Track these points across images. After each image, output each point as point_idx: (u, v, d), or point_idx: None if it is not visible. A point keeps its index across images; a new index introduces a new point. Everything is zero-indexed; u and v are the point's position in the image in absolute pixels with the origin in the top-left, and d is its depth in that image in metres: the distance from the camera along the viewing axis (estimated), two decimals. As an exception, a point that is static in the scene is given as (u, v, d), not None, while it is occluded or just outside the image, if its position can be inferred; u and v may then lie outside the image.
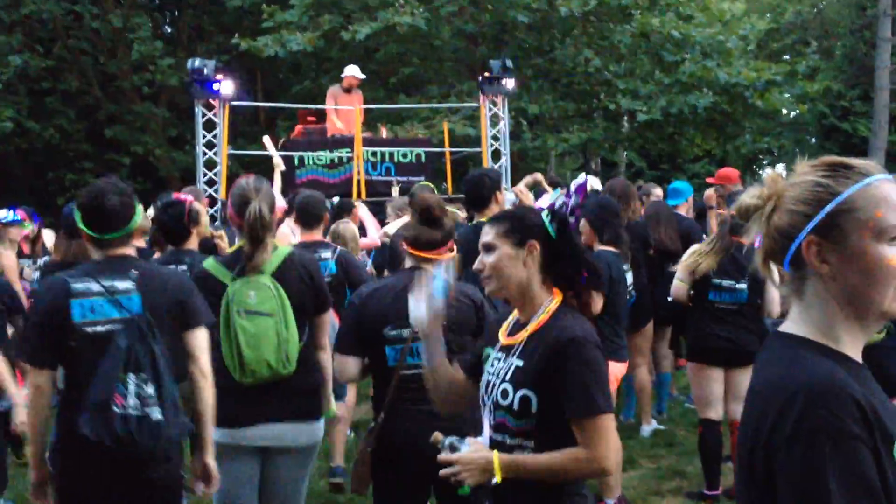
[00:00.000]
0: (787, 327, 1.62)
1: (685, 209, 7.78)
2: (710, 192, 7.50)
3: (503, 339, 2.64)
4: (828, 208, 1.54)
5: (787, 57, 23.92)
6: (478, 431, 2.76)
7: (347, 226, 6.67)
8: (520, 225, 2.60)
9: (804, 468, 1.38)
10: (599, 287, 2.96)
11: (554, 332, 2.48)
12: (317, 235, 5.74)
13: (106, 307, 3.27)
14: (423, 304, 2.65)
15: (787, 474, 1.41)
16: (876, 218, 1.52)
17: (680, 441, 6.96)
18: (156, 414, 3.16)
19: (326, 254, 5.62)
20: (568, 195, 2.79)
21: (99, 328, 3.26)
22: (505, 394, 2.50)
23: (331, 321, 4.15)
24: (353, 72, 12.27)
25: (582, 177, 2.91)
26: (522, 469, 2.43)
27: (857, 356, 1.57)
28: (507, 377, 2.52)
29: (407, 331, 3.45)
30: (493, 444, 2.53)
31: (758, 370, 1.62)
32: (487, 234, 2.61)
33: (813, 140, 27.39)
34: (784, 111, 22.38)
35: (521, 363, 2.51)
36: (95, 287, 3.28)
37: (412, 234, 3.61)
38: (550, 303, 2.59)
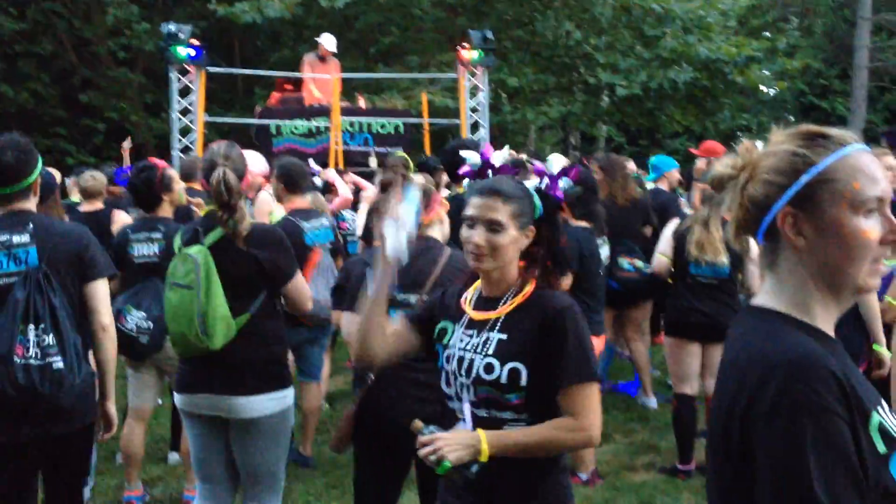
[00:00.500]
0: (760, 300, 1.58)
1: (665, 184, 7.76)
2: (700, 164, 7.48)
3: (471, 314, 2.58)
4: (804, 179, 1.49)
5: (767, 34, 23.90)
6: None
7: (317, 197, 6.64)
8: (528, 208, 2.54)
9: (784, 443, 1.35)
10: (564, 272, 2.90)
11: (542, 304, 2.47)
12: (302, 203, 5.63)
13: (2, 260, 3.35)
14: (397, 231, 2.49)
15: (765, 449, 1.38)
16: (853, 189, 1.47)
17: (653, 416, 6.97)
18: (57, 363, 3.27)
19: (326, 221, 5.65)
20: (551, 178, 2.67)
21: None
22: (490, 368, 2.44)
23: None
24: (326, 42, 12.16)
25: (556, 161, 2.77)
26: (512, 444, 2.38)
27: (831, 331, 1.54)
28: (491, 352, 2.46)
29: (414, 297, 3.45)
30: (479, 421, 2.47)
31: (732, 344, 1.58)
32: (498, 212, 2.46)
33: (791, 118, 27.47)
34: (763, 88, 22.39)
35: (504, 336, 2.47)
36: None
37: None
38: (527, 281, 2.55)
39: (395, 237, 2.48)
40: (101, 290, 3.53)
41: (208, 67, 12.78)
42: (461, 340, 2.55)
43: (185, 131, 12.39)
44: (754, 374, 1.42)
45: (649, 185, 7.95)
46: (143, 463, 5.50)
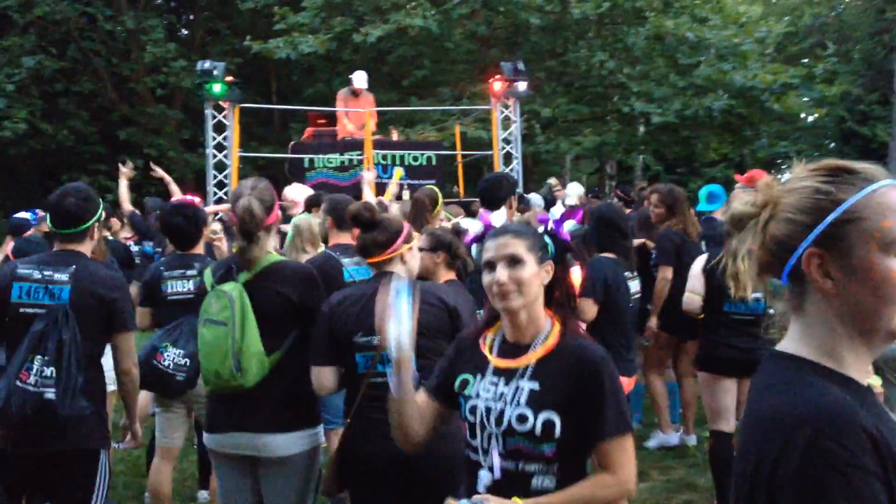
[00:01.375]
0: (785, 347, 1.48)
1: (720, 213, 7.58)
2: (738, 192, 7.33)
3: (496, 362, 2.51)
4: (830, 218, 1.39)
5: (805, 61, 23.69)
6: (447, 444, 2.75)
7: (309, 221, 6.16)
8: (541, 243, 2.52)
9: None
10: (576, 312, 2.84)
11: (577, 353, 2.43)
12: (349, 238, 5.40)
13: (40, 293, 3.72)
14: (399, 326, 2.41)
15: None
16: (883, 229, 1.37)
17: (692, 452, 6.80)
18: (49, 394, 3.57)
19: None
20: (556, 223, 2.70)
21: (28, 310, 3.70)
22: (523, 419, 2.38)
23: None
24: (358, 80, 12.25)
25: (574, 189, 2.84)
26: None
27: (863, 378, 1.43)
28: (523, 401, 2.39)
29: (377, 338, 3.38)
30: (508, 474, 2.40)
31: (756, 396, 1.47)
32: (514, 246, 2.46)
33: (832, 145, 27.12)
34: (802, 115, 22.14)
35: (535, 386, 2.41)
36: (37, 275, 3.74)
37: (358, 244, 3.57)
38: (553, 325, 2.51)
39: (398, 333, 2.40)
40: (124, 342, 3.85)
41: (242, 103, 12.88)
42: (486, 390, 2.48)
43: (220, 166, 12.48)
44: (780, 430, 1.33)
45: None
46: (172, 502, 5.45)
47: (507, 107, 13.15)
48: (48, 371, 3.58)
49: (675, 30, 16.70)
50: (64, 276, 3.72)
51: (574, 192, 10.51)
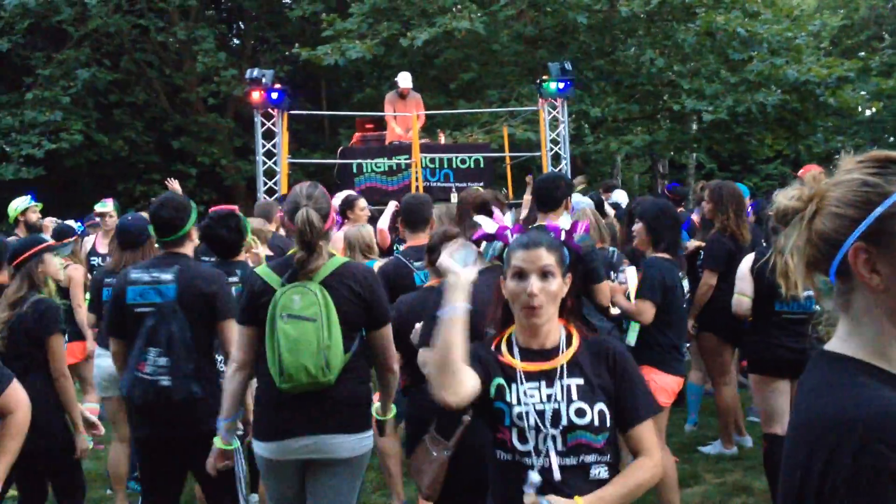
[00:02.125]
0: (834, 346, 1.42)
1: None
2: None
3: (527, 367, 2.57)
4: (877, 212, 1.33)
5: (861, 54, 23.15)
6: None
7: (360, 231, 6.23)
8: (565, 256, 2.62)
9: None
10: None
11: (600, 348, 2.61)
12: (423, 239, 5.40)
13: (151, 293, 4.17)
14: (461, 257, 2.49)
15: None
16: None
17: (747, 455, 6.66)
18: (164, 381, 4.01)
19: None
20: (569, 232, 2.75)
21: (142, 309, 4.16)
22: (581, 412, 2.48)
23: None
24: (403, 81, 12.27)
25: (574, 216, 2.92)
26: (609, 499, 2.45)
27: None
28: (576, 397, 2.49)
29: None
30: (568, 469, 2.48)
31: (805, 397, 1.41)
32: (548, 259, 2.53)
33: (891, 139, 26.48)
34: (859, 109, 21.64)
35: (580, 381, 2.51)
36: (146, 277, 4.21)
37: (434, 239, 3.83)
38: (567, 330, 2.66)
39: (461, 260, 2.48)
40: (226, 329, 4.13)
41: (290, 110, 12.97)
42: (529, 395, 2.52)
43: (270, 173, 12.58)
44: (830, 434, 1.27)
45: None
46: None
47: (554, 107, 13.05)
48: (162, 361, 4.01)
49: (726, 25, 16.41)
50: (169, 276, 4.18)
51: (621, 198, 10.43)
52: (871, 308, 1.36)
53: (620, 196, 10.90)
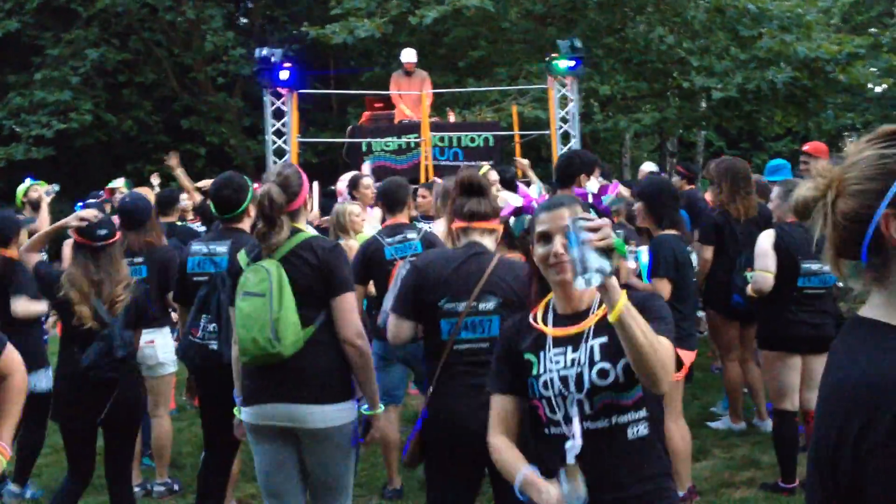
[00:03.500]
0: (869, 313, 1.45)
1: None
2: (804, 166, 7.21)
3: (554, 332, 2.53)
4: None
5: (872, 30, 22.97)
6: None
7: (343, 207, 6.41)
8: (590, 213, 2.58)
9: None
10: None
11: (634, 302, 2.38)
12: (401, 219, 5.72)
13: (207, 264, 4.64)
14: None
15: (885, 484, 1.26)
16: None
17: (755, 430, 6.71)
18: (213, 345, 4.37)
19: (412, 234, 5.61)
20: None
21: (198, 279, 4.60)
22: (604, 373, 2.43)
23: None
24: (407, 56, 12.30)
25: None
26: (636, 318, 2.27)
27: None
28: (598, 357, 2.44)
29: (462, 304, 3.53)
30: (599, 433, 2.44)
31: (837, 361, 1.44)
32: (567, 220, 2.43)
33: (901, 115, 26.35)
34: (870, 86, 21.52)
35: (604, 339, 2.45)
36: (204, 249, 4.70)
37: (461, 208, 3.68)
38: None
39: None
40: None
41: (300, 90, 12.99)
42: (554, 361, 2.50)
43: (279, 153, 12.62)
44: (866, 397, 1.30)
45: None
46: (239, 483, 5.58)
47: (564, 85, 13.03)
48: (212, 327, 4.37)
49: (736, 1, 16.31)
50: (223, 248, 4.59)
51: (647, 168, 10.48)
52: None
53: (647, 167, 10.92)
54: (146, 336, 5.71)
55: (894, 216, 1.38)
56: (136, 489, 5.93)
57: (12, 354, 3.04)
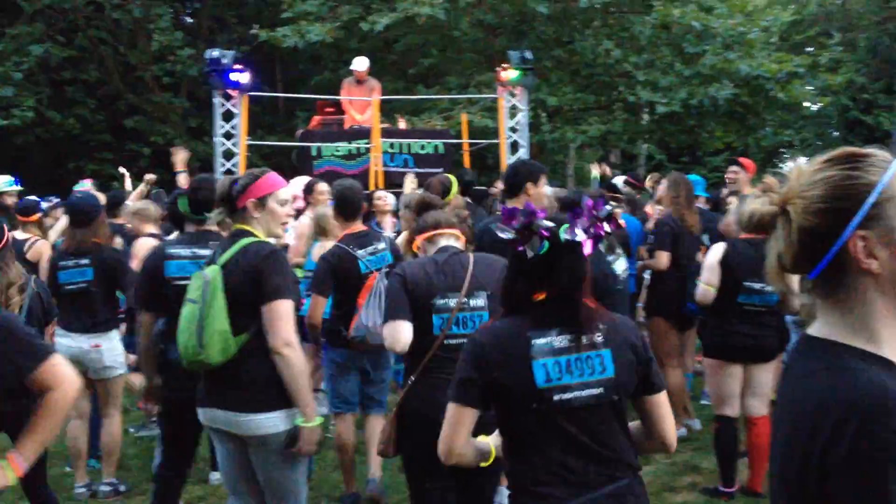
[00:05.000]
0: (820, 332, 1.50)
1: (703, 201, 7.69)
2: (729, 174, 7.47)
3: None
4: (872, 198, 1.43)
5: (810, 49, 23.61)
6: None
7: (325, 213, 6.42)
8: None
9: (866, 493, 1.29)
10: None
11: None
12: (360, 226, 5.67)
13: (190, 267, 4.31)
14: None
15: (851, 493, 1.31)
16: None
17: (695, 436, 6.90)
18: None
19: (382, 245, 5.58)
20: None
21: (183, 283, 4.15)
22: None
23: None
24: (358, 65, 12.37)
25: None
26: None
27: None
28: None
29: (454, 300, 3.70)
30: None
31: (797, 382, 1.49)
32: None
33: (835, 133, 27.09)
34: (806, 104, 22.13)
35: None
36: (186, 252, 4.50)
37: (425, 222, 3.94)
38: None
39: None
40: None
41: (250, 92, 12.94)
42: None
43: (228, 155, 12.55)
44: (828, 416, 1.35)
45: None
46: (186, 485, 5.58)
47: (514, 95, 13.19)
48: None
49: (682, 18, 16.69)
50: (208, 251, 4.22)
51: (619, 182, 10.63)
52: (866, 292, 1.45)
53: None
54: (91, 340, 5.71)
55: (861, 237, 1.43)
56: (82, 489, 5.91)
57: (58, 368, 2.74)
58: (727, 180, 8.47)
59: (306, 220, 6.38)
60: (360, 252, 5.47)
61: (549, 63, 17.80)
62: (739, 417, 5.70)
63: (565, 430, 2.53)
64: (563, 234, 2.52)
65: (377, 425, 5.35)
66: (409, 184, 9.00)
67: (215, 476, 5.94)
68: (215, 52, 12.33)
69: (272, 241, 3.81)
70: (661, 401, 2.69)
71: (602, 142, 20.59)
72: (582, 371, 2.55)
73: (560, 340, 2.57)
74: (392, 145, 12.28)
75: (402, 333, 3.70)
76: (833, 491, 1.33)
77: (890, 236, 1.43)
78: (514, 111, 13.23)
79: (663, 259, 6.59)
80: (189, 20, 24.29)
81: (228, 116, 12.52)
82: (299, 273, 6.45)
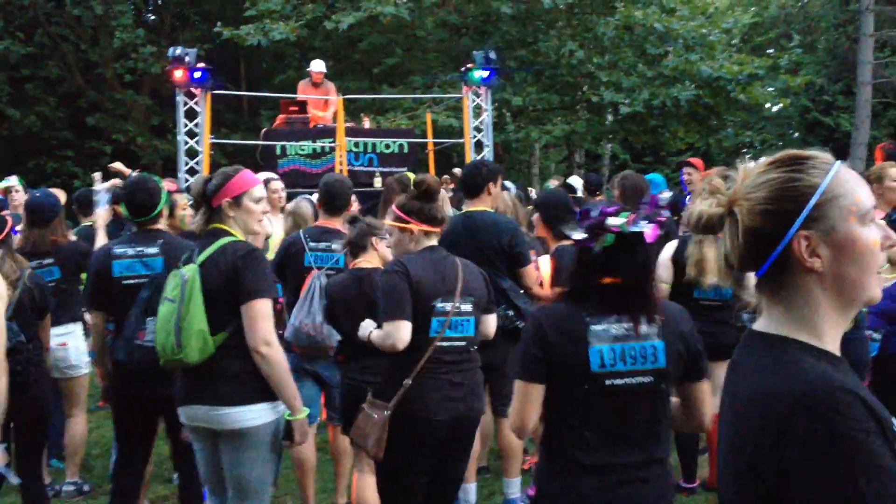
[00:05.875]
0: (768, 328, 1.55)
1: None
2: (686, 175, 7.60)
3: None
4: (814, 199, 1.48)
5: (771, 51, 23.95)
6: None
7: (302, 203, 6.20)
8: None
9: (829, 475, 1.32)
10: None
11: None
12: (336, 224, 5.45)
13: (137, 266, 4.48)
14: None
15: (811, 485, 1.34)
16: (857, 202, 1.49)
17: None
18: None
19: (337, 245, 5.35)
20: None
21: (130, 282, 4.45)
22: None
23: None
24: (317, 67, 12.42)
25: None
26: None
27: (837, 350, 1.52)
28: None
29: (449, 304, 3.77)
30: None
31: (744, 376, 1.53)
32: None
33: (795, 134, 27.51)
34: (767, 105, 22.45)
35: None
36: (130, 251, 4.51)
37: (428, 211, 3.90)
38: None
39: None
40: None
41: (214, 90, 12.87)
42: None
43: (191, 153, 12.47)
44: (777, 408, 1.39)
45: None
46: (150, 483, 5.55)
47: (478, 95, 13.24)
48: None
49: (644, 20, 16.88)
50: (154, 250, 4.49)
51: (577, 183, 10.71)
52: (809, 289, 1.50)
53: (576, 182, 11.20)
54: (58, 338, 5.65)
55: (805, 238, 1.48)
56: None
57: None
58: (684, 182, 8.58)
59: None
60: (311, 244, 5.33)
61: (512, 63, 17.89)
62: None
63: (608, 410, 2.66)
64: (629, 227, 2.64)
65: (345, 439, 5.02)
66: (378, 182, 8.98)
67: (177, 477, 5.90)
68: (178, 50, 12.25)
69: (249, 238, 3.83)
70: (704, 388, 2.83)
71: (566, 142, 20.74)
72: (635, 359, 2.67)
73: (617, 328, 2.67)
74: (357, 144, 12.27)
75: (404, 332, 3.70)
76: (794, 487, 1.36)
77: (831, 236, 1.49)
78: (478, 111, 13.28)
79: None
80: (151, 17, 24.07)
81: (191, 114, 12.44)
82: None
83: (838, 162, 1.54)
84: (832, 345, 1.52)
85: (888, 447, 1.34)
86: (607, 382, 2.65)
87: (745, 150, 29.63)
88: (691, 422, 2.89)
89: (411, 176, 7.34)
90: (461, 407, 3.82)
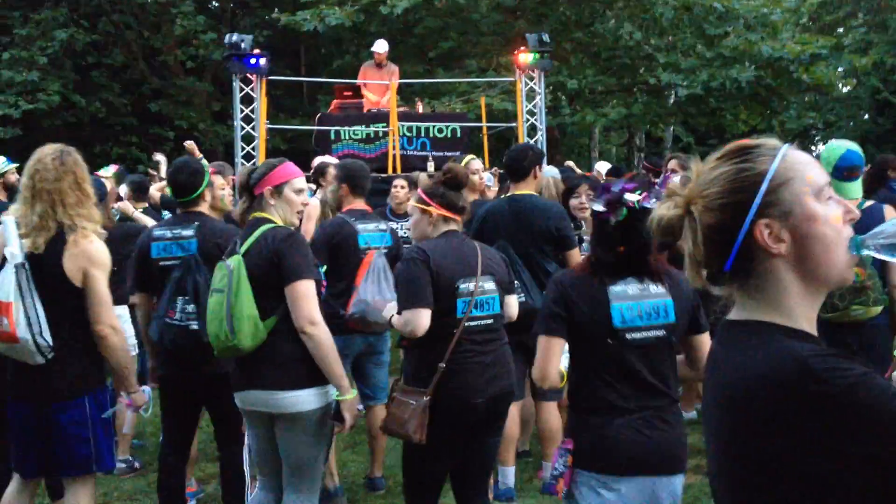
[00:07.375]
0: (743, 316, 1.56)
1: None
2: None
3: None
4: (765, 186, 1.49)
5: (840, 30, 23.29)
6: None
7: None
8: None
9: (858, 423, 1.32)
10: None
11: None
12: (364, 205, 5.55)
13: (173, 248, 4.57)
14: None
15: (839, 444, 1.32)
16: (810, 181, 1.50)
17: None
18: (193, 326, 4.35)
19: (384, 225, 5.50)
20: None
21: (166, 263, 4.55)
22: None
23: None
24: (378, 47, 12.40)
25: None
26: None
27: (814, 331, 1.52)
28: None
29: (472, 284, 3.83)
30: None
31: (723, 364, 1.54)
32: None
33: (866, 115, 26.76)
34: (838, 86, 21.86)
35: None
36: (168, 234, 4.62)
37: (452, 199, 3.96)
38: None
39: None
40: None
41: (270, 76, 13.00)
42: None
43: (248, 139, 12.63)
44: (771, 389, 1.39)
45: None
46: (199, 461, 5.68)
47: (532, 78, 13.16)
48: (190, 308, 4.37)
49: (703, 0, 16.56)
50: (190, 232, 4.55)
51: (602, 168, 10.64)
52: (777, 274, 1.51)
53: (602, 167, 11.13)
54: None
55: (765, 225, 1.49)
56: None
57: None
58: None
59: (315, 201, 6.37)
60: (359, 226, 5.37)
61: (569, 46, 17.73)
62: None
63: (630, 362, 3.01)
64: (641, 203, 2.95)
65: (381, 415, 4.95)
66: (431, 166, 9.02)
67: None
68: (234, 37, 12.41)
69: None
70: (706, 340, 3.20)
71: (624, 125, 20.52)
72: (650, 315, 3.04)
73: (632, 288, 3.04)
74: (410, 129, 12.31)
75: (424, 319, 3.76)
76: (782, 464, 1.37)
77: (790, 219, 1.49)
78: (531, 94, 13.20)
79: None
80: (213, 4, 24.41)
81: (248, 100, 12.59)
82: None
83: (786, 145, 1.55)
84: (807, 325, 1.53)
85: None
86: (629, 336, 3.01)
87: (813, 133, 28.95)
88: (696, 372, 3.23)
89: (468, 158, 7.34)
90: (497, 386, 3.89)
